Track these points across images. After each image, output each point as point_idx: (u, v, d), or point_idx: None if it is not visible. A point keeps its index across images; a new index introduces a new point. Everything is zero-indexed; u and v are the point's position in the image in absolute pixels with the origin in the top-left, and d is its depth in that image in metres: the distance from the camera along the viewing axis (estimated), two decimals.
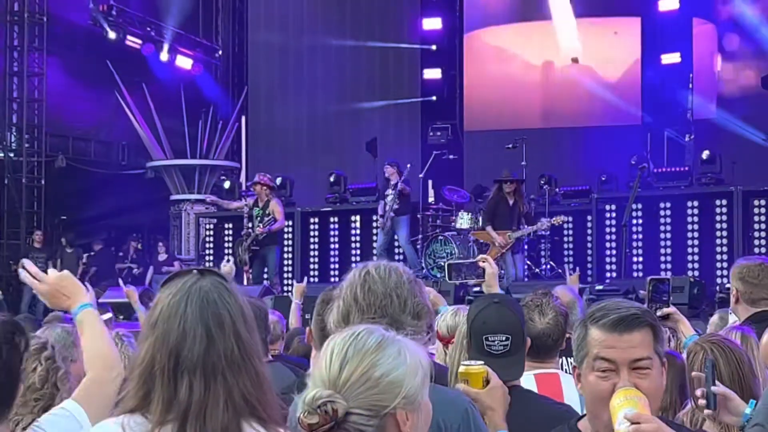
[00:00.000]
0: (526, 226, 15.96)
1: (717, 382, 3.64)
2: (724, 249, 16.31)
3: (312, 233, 19.79)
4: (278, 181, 20.09)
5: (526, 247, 16.88)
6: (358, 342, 2.48)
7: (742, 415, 3.59)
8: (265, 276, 17.02)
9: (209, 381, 2.51)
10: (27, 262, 3.69)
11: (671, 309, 4.70)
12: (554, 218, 16.12)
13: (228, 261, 12.34)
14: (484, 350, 3.75)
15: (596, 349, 2.94)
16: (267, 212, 16.73)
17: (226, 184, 21.82)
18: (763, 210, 16.20)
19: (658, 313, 4.66)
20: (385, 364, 2.45)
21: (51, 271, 3.71)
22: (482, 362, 3.53)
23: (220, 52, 25.20)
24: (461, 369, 3.54)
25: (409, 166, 17.78)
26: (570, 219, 18.29)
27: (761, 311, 5.04)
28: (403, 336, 3.17)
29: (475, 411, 3.36)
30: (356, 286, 3.48)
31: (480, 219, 16.86)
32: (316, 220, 19.81)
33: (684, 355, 4.46)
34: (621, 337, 2.92)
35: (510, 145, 17.93)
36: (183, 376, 2.51)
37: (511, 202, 15.99)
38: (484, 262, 5.44)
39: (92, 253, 22.23)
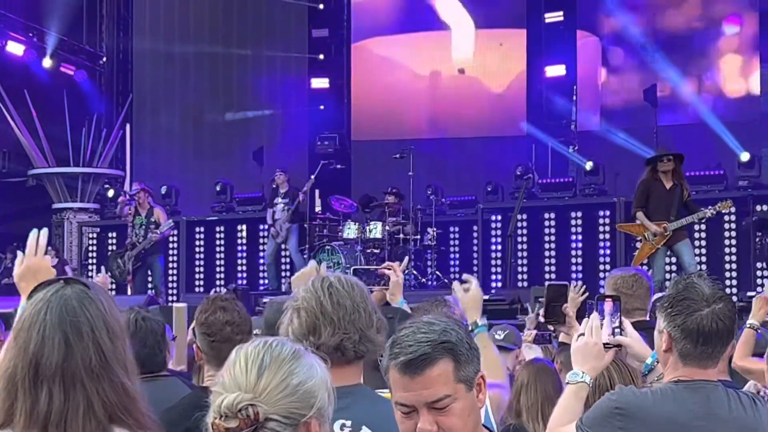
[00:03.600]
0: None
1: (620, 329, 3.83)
2: (607, 259, 16.56)
3: (198, 242, 19.65)
4: (163, 190, 19.92)
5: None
6: (273, 350, 2.45)
7: (643, 363, 3.86)
8: (150, 286, 16.82)
9: (68, 390, 2.48)
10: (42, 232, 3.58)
11: (571, 312, 4.75)
12: (719, 204, 13.26)
13: (101, 272, 12.00)
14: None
15: (395, 391, 2.79)
16: (152, 220, 16.55)
17: (110, 193, 21.57)
18: None
19: (565, 308, 4.72)
20: (301, 373, 2.43)
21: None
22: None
23: (105, 59, 24.84)
24: None
25: (312, 177, 17.85)
26: (457, 229, 18.45)
27: (636, 321, 5.12)
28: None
29: None
30: (322, 299, 3.36)
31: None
32: (202, 229, 19.68)
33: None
34: (413, 380, 2.74)
35: (397, 155, 17.97)
36: (42, 385, 2.48)
37: (668, 185, 13.05)
38: (389, 269, 5.39)
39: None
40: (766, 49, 19.58)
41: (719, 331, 3.57)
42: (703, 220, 13.48)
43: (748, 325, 6.13)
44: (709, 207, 13.13)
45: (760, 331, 6.08)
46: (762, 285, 14.40)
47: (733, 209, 14.85)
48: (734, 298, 13.72)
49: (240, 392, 2.38)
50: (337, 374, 3.26)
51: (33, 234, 3.52)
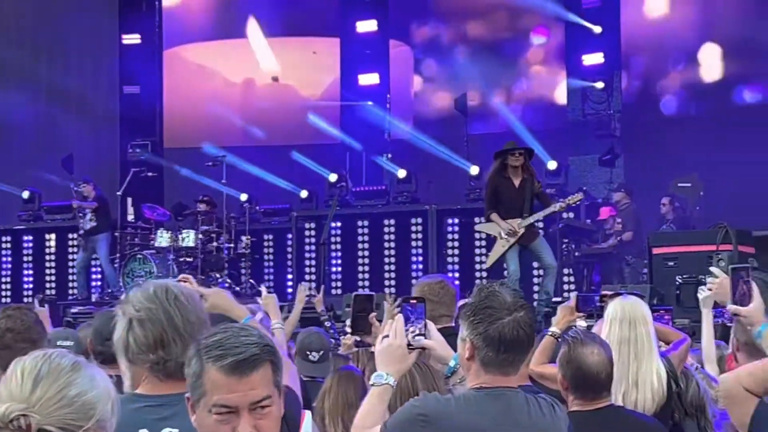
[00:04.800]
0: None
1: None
2: (420, 266, 16.78)
3: (4, 252, 19.19)
4: None
5: (541, 231, 13.22)
6: (52, 361, 2.39)
7: (446, 366, 3.95)
8: None
9: None
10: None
11: (375, 321, 4.81)
12: (569, 197, 13.08)
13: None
14: None
15: (215, 394, 2.76)
16: None
17: None
18: (456, 228, 16.75)
19: (372, 318, 4.78)
20: (80, 384, 2.37)
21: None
22: None
23: None
24: None
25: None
26: (271, 237, 18.42)
27: (442, 327, 5.21)
28: None
29: None
30: (171, 312, 3.29)
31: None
32: (9, 238, 19.24)
33: None
34: (240, 380, 2.74)
35: (210, 163, 17.86)
36: None
37: (517, 182, 12.53)
38: (185, 281, 5.34)
39: None
40: (572, 60, 20.11)
41: (520, 338, 3.65)
42: (554, 214, 13.19)
43: (549, 333, 6.23)
44: (559, 201, 12.90)
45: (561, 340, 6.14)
46: (569, 291, 14.79)
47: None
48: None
49: (12, 402, 2.32)
50: (175, 385, 3.25)
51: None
